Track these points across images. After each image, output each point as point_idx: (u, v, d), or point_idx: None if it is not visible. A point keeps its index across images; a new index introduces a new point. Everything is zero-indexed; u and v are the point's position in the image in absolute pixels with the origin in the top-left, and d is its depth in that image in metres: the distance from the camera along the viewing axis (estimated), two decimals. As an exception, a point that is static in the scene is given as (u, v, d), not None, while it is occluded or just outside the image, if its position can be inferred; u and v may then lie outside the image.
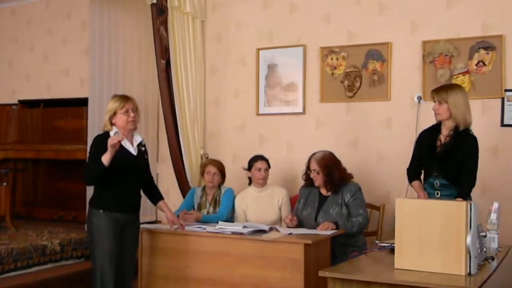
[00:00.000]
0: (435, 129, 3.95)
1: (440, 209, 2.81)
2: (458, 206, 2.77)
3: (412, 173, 4.10)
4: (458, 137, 3.78)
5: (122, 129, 3.90)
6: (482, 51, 4.74)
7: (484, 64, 4.74)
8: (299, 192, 4.70)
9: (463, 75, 4.81)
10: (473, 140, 3.81)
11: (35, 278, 4.46)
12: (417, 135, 4.23)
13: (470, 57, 4.78)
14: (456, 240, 2.73)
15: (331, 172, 4.39)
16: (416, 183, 4.07)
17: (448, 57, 4.85)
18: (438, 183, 3.86)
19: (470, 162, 3.78)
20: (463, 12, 4.82)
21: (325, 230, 4.14)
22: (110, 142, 3.67)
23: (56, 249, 4.87)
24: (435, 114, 3.88)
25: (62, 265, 4.86)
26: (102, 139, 3.83)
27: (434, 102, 3.86)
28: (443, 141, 3.86)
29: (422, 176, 4.07)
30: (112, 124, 3.91)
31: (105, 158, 3.69)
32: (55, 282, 4.54)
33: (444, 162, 3.80)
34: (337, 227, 4.20)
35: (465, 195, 3.71)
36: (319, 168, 4.39)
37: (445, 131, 3.87)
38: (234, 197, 4.90)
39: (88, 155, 3.96)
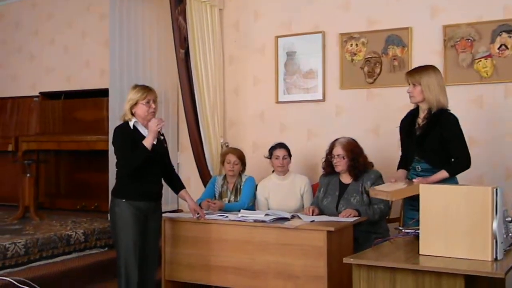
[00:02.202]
0: (413, 114, 3.85)
1: (466, 195, 2.78)
2: (484, 191, 2.74)
3: (401, 162, 3.98)
4: (433, 118, 3.68)
5: (142, 120, 3.93)
6: (504, 35, 4.68)
7: (507, 48, 4.68)
8: (319, 181, 4.69)
9: (485, 59, 4.76)
10: (449, 118, 3.66)
11: (60, 268, 4.49)
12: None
13: (492, 41, 4.72)
14: (482, 226, 2.71)
15: (356, 157, 4.36)
16: (399, 171, 3.94)
17: (469, 41, 4.79)
18: (420, 167, 3.75)
19: (454, 141, 3.64)
20: (485, -5, 4.75)
21: (347, 217, 4.13)
22: (154, 127, 3.80)
23: (80, 239, 4.92)
24: (410, 97, 3.77)
25: (86, 255, 4.90)
26: (124, 129, 3.88)
27: (409, 84, 3.77)
28: (420, 124, 3.79)
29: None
30: (132, 113, 3.93)
31: (147, 143, 3.80)
32: (80, 271, 4.58)
33: (422, 144, 3.71)
34: (359, 215, 4.19)
35: (450, 171, 3.61)
36: (344, 152, 4.36)
37: (421, 114, 3.78)
38: (255, 185, 4.91)
39: (116, 146, 3.95)
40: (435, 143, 3.66)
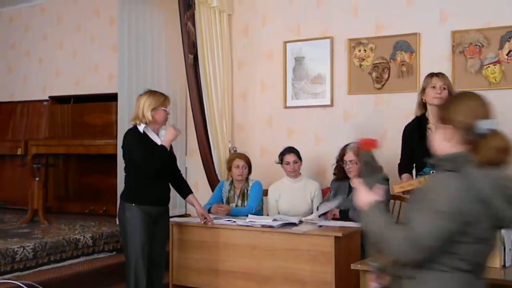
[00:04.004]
0: (420, 121, 3.86)
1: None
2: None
3: (403, 167, 4.07)
4: None
5: (157, 124, 3.97)
6: (513, 40, 4.68)
7: (515, 54, 4.68)
8: (330, 185, 4.72)
9: (494, 65, 4.75)
10: None
11: (68, 271, 4.51)
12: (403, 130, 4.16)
13: (501, 47, 4.72)
14: (490, 232, 2.70)
15: None
16: (405, 175, 4.04)
17: (478, 47, 4.79)
18: (435, 172, 3.78)
19: None
20: (493, 1, 4.74)
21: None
22: (172, 136, 3.94)
23: (89, 243, 4.94)
24: (437, 98, 3.72)
25: (94, 259, 4.91)
26: (136, 132, 3.93)
27: (434, 87, 3.75)
28: (434, 128, 3.77)
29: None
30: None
31: (167, 145, 3.91)
32: (88, 275, 4.59)
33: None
34: (345, 215, 4.26)
35: None
36: (356, 158, 4.38)
37: (434, 119, 3.77)
38: (262, 190, 4.92)
39: (128, 149, 3.97)
40: None
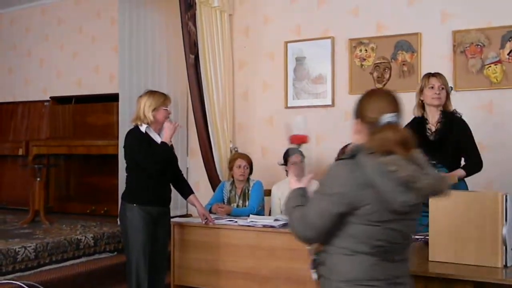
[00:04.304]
0: (419, 122, 3.82)
1: (475, 200, 2.78)
2: (493, 197, 2.73)
3: None
4: (449, 120, 3.71)
5: (158, 124, 3.97)
6: (514, 40, 4.67)
7: (517, 53, 4.68)
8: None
9: (495, 64, 4.75)
10: (463, 122, 3.76)
11: (69, 272, 4.51)
12: None
13: (502, 46, 4.72)
14: (491, 232, 2.70)
15: None
16: None
17: (479, 46, 4.79)
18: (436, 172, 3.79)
19: (470, 142, 3.74)
20: (494, 1, 4.74)
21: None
22: (171, 131, 3.94)
23: (90, 243, 4.94)
24: (436, 98, 3.72)
25: (96, 259, 4.91)
26: (138, 132, 3.93)
27: (432, 87, 3.73)
28: (433, 128, 3.78)
29: None
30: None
31: (168, 141, 3.92)
32: (89, 276, 4.60)
33: (440, 147, 3.71)
34: None
35: (467, 171, 3.66)
36: None
37: (432, 120, 3.78)
38: (263, 190, 4.92)
39: (130, 149, 3.96)
40: (453, 146, 3.69)
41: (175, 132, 4.03)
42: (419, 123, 3.82)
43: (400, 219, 2.03)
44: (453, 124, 3.70)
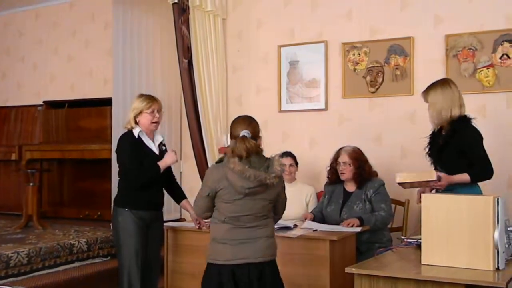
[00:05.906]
0: (434, 134, 3.84)
1: (467, 204, 2.79)
2: (485, 200, 2.75)
3: None
4: (454, 128, 3.67)
5: (145, 129, 3.95)
6: (506, 44, 4.69)
7: (509, 57, 4.69)
8: (323, 189, 4.70)
9: (487, 68, 4.76)
10: (468, 130, 3.67)
11: (63, 277, 4.49)
12: None
13: (494, 50, 4.73)
14: (483, 235, 2.71)
15: (362, 165, 4.39)
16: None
17: (471, 50, 4.80)
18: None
19: (474, 151, 3.64)
20: (486, 5, 4.76)
21: (349, 227, 4.12)
22: (172, 161, 3.99)
23: (83, 248, 4.93)
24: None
25: (89, 264, 4.90)
26: (130, 138, 3.92)
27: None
28: (442, 136, 3.78)
29: None
30: (136, 122, 3.95)
31: (163, 166, 3.92)
32: (83, 281, 4.58)
33: (441, 152, 3.72)
34: (362, 223, 4.18)
35: (472, 176, 3.59)
36: (350, 160, 4.39)
37: (446, 127, 3.79)
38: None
39: (122, 156, 3.96)
40: (454, 152, 3.65)
41: (173, 163, 4.03)
42: (434, 134, 3.81)
43: (246, 198, 3.06)
44: (456, 130, 3.68)
